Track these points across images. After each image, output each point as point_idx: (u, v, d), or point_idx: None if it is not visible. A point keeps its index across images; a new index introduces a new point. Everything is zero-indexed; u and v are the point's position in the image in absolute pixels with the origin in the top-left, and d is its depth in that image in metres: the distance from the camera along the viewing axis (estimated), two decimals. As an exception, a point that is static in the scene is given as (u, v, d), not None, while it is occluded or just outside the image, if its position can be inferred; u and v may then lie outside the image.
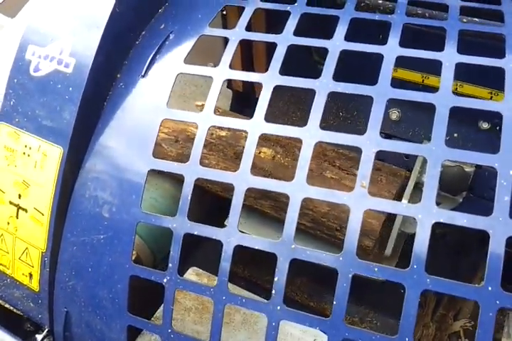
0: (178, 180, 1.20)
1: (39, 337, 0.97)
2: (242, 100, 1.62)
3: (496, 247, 0.56)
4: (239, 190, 0.71)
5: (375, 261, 0.64)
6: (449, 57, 0.71)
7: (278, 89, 1.32)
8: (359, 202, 0.63)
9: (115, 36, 0.88)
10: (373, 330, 0.62)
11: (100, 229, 0.83)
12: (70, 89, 0.85)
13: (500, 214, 0.57)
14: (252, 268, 1.37)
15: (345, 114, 1.35)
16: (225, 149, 1.17)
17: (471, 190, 1.04)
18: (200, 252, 1.30)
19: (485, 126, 1.09)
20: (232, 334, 1.11)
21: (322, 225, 1.08)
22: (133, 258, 1.02)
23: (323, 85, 0.72)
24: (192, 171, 0.75)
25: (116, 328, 0.84)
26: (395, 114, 1.21)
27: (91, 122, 0.86)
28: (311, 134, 0.69)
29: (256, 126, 0.73)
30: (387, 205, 0.62)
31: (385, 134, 1.20)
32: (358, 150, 0.66)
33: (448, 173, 1.01)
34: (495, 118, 1.04)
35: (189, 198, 0.75)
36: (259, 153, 1.17)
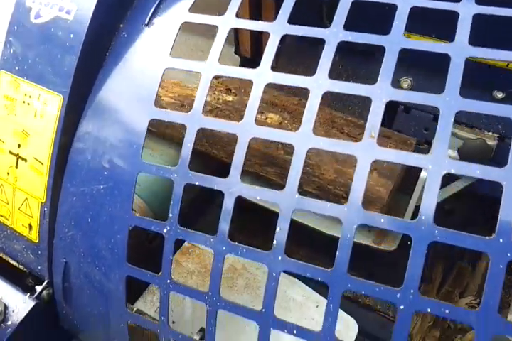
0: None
1: (38, 288, 0.93)
2: (250, 66, 1.53)
3: (510, 199, 0.51)
4: (243, 140, 0.66)
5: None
6: (466, 8, 0.64)
7: (286, 55, 1.23)
8: (367, 152, 0.58)
9: (118, -17, 0.81)
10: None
11: (100, 180, 0.78)
12: (71, 36, 0.78)
13: (515, 164, 0.52)
14: (248, 234, 1.32)
15: (357, 81, 1.27)
16: (231, 114, 1.11)
17: (493, 163, 0.98)
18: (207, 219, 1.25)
19: (499, 95, 1.01)
20: (234, 297, 1.07)
21: (328, 193, 1.02)
22: None
23: (333, 34, 0.66)
24: (194, 121, 0.69)
25: (115, 278, 0.80)
26: (406, 83, 1.14)
27: (92, 71, 0.80)
28: (318, 84, 0.63)
29: (262, 75, 0.67)
30: (396, 155, 0.57)
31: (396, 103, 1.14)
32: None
33: (470, 146, 0.95)
34: (510, 87, 0.97)
35: (190, 148, 0.69)
36: (266, 118, 1.11)
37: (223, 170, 1.08)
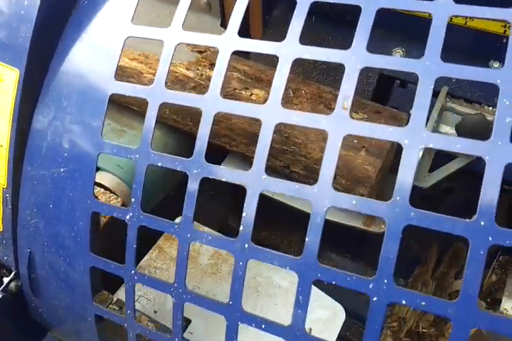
0: (170, 128, 1.14)
1: (6, 279, 0.94)
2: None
3: (493, 175, 0.49)
4: (207, 115, 0.65)
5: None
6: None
7: (273, 26, 1.22)
8: (339, 125, 0.56)
9: None
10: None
11: (60, 162, 0.77)
12: (26, 3, 0.77)
13: (499, 138, 0.50)
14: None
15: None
16: (215, 90, 1.09)
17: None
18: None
19: (495, 65, 0.99)
20: (218, 284, 1.08)
21: (315, 173, 1.01)
22: (119, 205, 0.98)
23: (307, -6, 0.64)
24: (156, 95, 0.68)
25: (79, 269, 0.80)
26: (398, 54, 1.11)
27: (50, 42, 0.79)
28: (288, 50, 0.62)
29: (227, 41, 0.65)
30: (370, 129, 0.55)
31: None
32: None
33: (468, 122, 0.92)
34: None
35: (153, 126, 0.68)
36: (251, 95, 1.09)
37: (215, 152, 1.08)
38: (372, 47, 0.57)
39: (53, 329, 0.94)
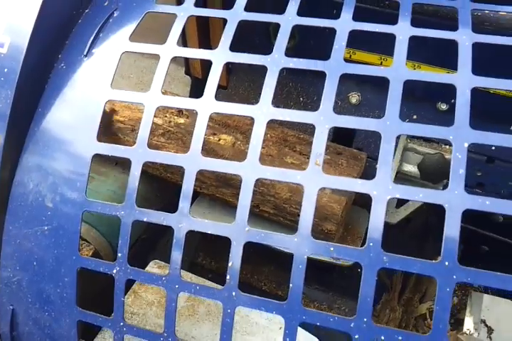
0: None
1: (-16, 339, 0.93)
2: (202, 87, 1.58)
3: (452, 221, 0.56)
4: (189, 172, 0.69)
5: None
6: (402, 30, 0.70)
7: (237, 74, 1.30)
8: (313, 180, 0.62)
9: (54, 14, 0.84)
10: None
11: (44, 220, 0.79)
12: (6, 70, 0.80)
13: (456, 187, 0.56)
14: (219, 260, 1.36)
15: (306, 99, 1.34)
16: (183, 137, 1.14)
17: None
18: (162, 244, 1.28)
19: (443, 107, 1.09)
20: (196, 326, 1.10)
21: (284, 211, 1.07)
22: (90, 253, 0.99)
23: (275, 61, 0.70)
24: (139, 154, 0.72)
25: (65, 324, 0.81)
26: (355, 98, 1.20)
27: (30, 106, 0.82)
28: (262, 112, 0.67)
29: (205, 105, 0.70)
30: (342, 182, 0.61)
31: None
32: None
33: (428, 161, 1.00)
34: (453, 99, 1.05)
35: (136, 184, 0.72)
36: (219, 140, 1.14)
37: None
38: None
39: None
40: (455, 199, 0.56)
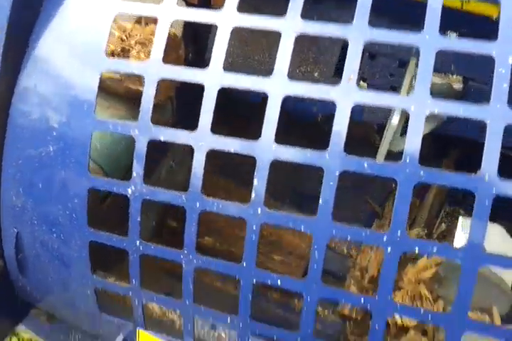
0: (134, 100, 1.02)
1: (-13, 261, 0.82)
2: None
3: (494, 137, 0.50)
4: (211, 90, 0.58)
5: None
6: None
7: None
8: (347, 95, 0.53)
9: None
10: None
11: (49, 140, 0.68)
12: None
13: (498, 103, 0.50)
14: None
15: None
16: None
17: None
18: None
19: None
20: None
21: None
22: None
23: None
24: (153, 71, 0.60)
25: (76, 245, 0.73)
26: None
27: (28, 20, 0.67)
28: (291, 25, 0.56)
29: (228, 18, 0.58)
30: (377, 97, 0.53)
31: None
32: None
33: (437, 90, 0.92)
34: (463, 28, 0.94)
35: (151, 101, 0.61)
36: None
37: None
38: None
39: (43, 304, 0.85)
40: (497, 114, 0.49)
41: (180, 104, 1.00)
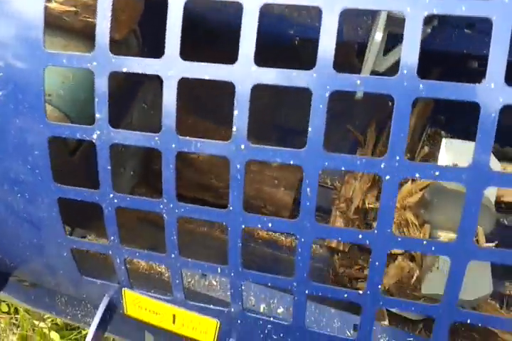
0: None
1: None
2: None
3: (501, 33, 0.43)
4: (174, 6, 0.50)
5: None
6: None
7: None
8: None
9: None
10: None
11: (-5, 84, 0.58)
12: None
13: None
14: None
15: None
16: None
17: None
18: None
19: None
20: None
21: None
22: None
23: None
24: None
25: (44, 204, 0.65)
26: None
27: None
28: None
29: None
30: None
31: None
32: None
33: None
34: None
35: (108, 21, 0.52)
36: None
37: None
38: None
39: (19, 272, 0.78)
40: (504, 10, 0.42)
41: (146, 36, 0.91)
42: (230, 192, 0.55)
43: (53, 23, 0.77)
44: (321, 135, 0.49)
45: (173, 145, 0.54)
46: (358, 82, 0.47)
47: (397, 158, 0.48)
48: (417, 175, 0.48)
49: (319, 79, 0.47)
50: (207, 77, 0.51)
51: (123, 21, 0.80)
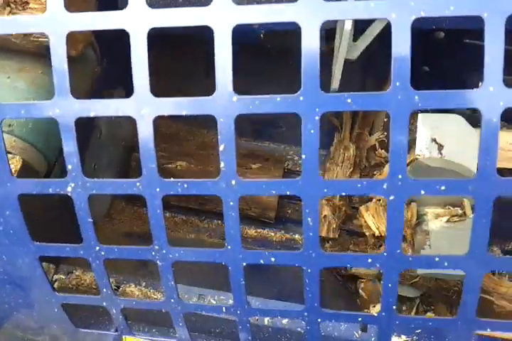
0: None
1: None
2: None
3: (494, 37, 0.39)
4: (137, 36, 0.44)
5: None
6: None
7: None
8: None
9: None
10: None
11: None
12: None
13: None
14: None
15: None
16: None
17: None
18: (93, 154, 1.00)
19: None
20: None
21: None
22: (19, 166, 0.70)
23: None
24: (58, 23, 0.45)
25: (25, 264, 0.59)
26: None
27: None
28: None
29: None
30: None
31: None
32: None
33: None
34: None
35: (65, 61, 0.46)
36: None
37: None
38: None
39: (11, 326, 0.71)
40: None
41: (104, 48, 0.84)
42: (225, 230, 0.51)
43: (3, 46, 0.70)
44: (315, 162, 0.45)
45: (158, 190, 0.49)
46: (349, 100, 0.43)
47: (400, 176, 0.44)
48: (423, 192, 0.44)
49: (307, 103, 0.43)
50: (184, 113, 0.46)
51: (77, 36, 0.72)
